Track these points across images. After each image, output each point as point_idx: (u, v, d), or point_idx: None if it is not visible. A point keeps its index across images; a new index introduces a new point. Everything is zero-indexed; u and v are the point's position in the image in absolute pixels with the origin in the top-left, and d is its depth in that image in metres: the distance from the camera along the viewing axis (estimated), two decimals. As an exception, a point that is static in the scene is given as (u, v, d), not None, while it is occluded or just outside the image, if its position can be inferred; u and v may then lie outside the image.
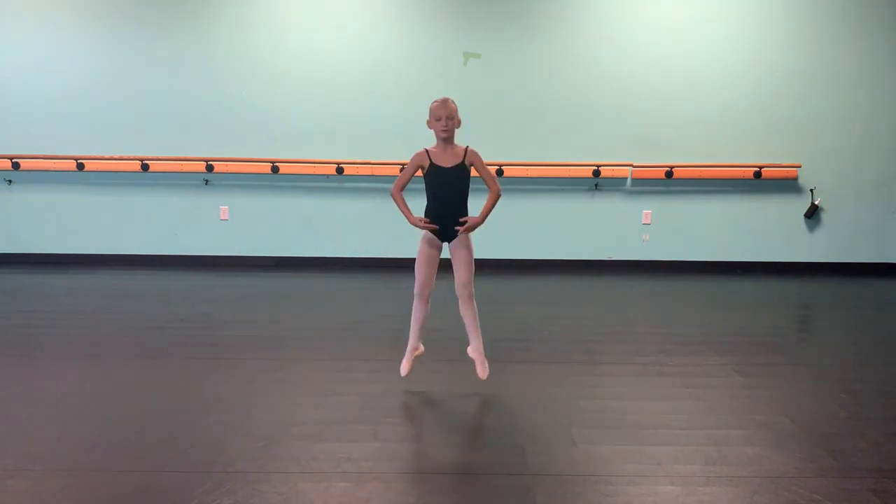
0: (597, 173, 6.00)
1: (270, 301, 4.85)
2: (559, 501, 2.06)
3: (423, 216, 2.83)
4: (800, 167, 5.97)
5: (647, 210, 6.16)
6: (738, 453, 2.40)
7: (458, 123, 2.79)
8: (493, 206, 2.87)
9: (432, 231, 2.84)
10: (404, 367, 3.00)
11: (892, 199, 6.10)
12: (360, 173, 6.02)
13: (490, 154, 5.91)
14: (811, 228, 6.17)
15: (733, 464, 2.32)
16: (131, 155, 5.98)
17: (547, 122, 5.99)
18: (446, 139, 2.78)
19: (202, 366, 3.33)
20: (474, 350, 2.97)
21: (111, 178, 6.11)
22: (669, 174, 5.99)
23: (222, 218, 6.21)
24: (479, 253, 6.32)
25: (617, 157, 6.01)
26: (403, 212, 2.86)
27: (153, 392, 2.97)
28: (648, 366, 3.38)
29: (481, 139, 5.89)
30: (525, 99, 5.96)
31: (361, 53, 5.90)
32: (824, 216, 6.14)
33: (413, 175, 2.86)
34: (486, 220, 2.85)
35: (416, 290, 2.91)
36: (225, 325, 4.14)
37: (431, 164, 2.78)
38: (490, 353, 3.48)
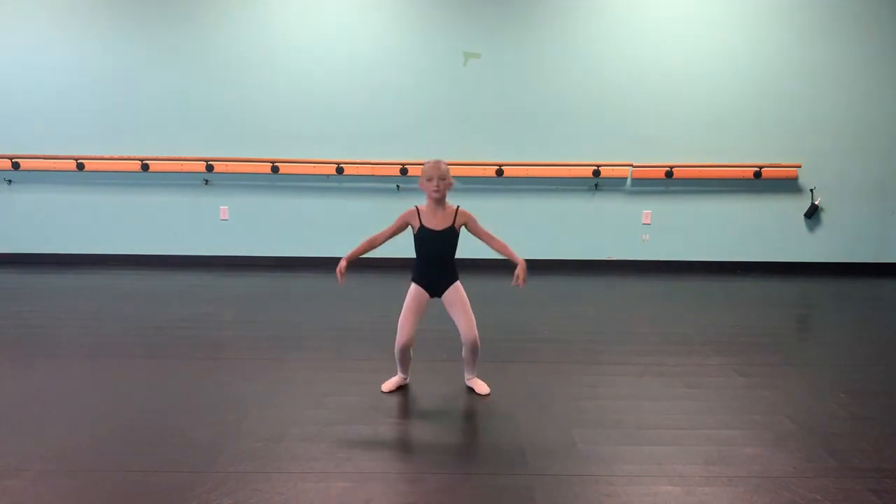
0: (597, 173, 6.00)
1: (270, 301, 4.85)
2: (559, 501, 2.06)
3: (344, 268, 2.85)
4: (800, 167, 5.98)
5: (647, 210, 6.16)
6: (738, 453, 2.40)
7: (450, 185, 2.79)
8: (507, 249, 2.90)
9: (422, 286, 2.86)
10: (387, 386, 3.00)
11: (892, 199, 6.10)
12: (360, 173, 6.02)
13: (490, 154, 5.98)
14: (811, 228, 6.17)
15: (733, 464, 2.32)
16: (131, 155, 5.98)
17: (547, 122, 5.99)
18: (438, 199, 2.78)
19: (202, 366, 3.33)
20: (471, 380, 3.02)
21: (111, 178, 6.11)
22: (669, 174, 5.99)
23: (222, 218, 6.21)
24: (479, 253, 6.30)
25: (617, 157, 6.01)
26: (352, 251, 2.87)
27: (153, 392, 2.97)
28: (648, 366, 3.38)
29: (481, 139, 5.95)
30: (525, 99, 5.96)
31: (362, 53, 5.90)
32: (824, 216, 6.14)
33: (395, 233, 2.87)
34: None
35: (398, 345, 2.87)
36: (225, 325, 4.14)
37: (422, 225, 2.80)
38: (491, 354, 3.48)
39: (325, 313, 4.48)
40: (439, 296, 2.88)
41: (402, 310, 2.87)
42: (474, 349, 2.89)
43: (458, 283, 2.89)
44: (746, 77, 5.88)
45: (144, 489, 2.10)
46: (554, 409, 2.81)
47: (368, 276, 5.82)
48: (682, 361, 3.46)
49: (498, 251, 2.92)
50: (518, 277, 2.81)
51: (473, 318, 2.87)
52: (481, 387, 2.98)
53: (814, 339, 4.24)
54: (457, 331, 2.91)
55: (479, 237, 2.90)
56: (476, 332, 2.87)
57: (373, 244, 2.89)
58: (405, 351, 2.91)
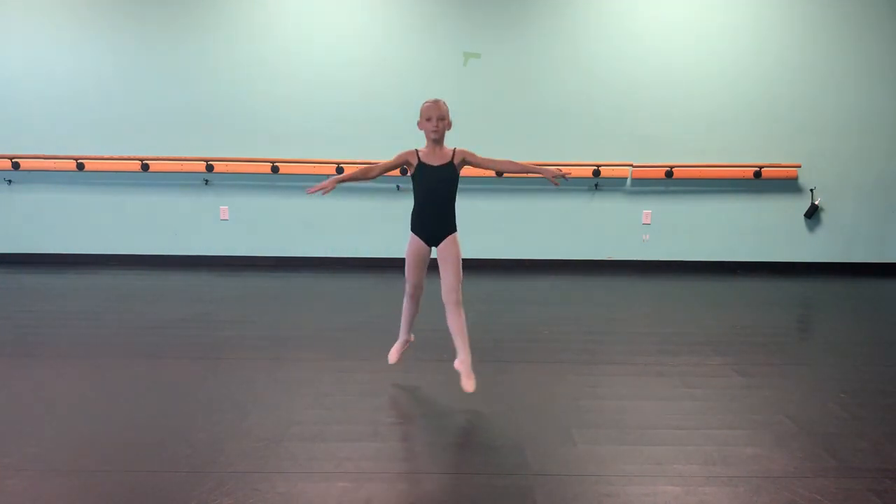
0: (597, 173, 6.00)
1: (270, 301, 4.85)
2: (559, 501, 2.06)
3: (329, 187, 2.72)
4: (800, 167, 5.98)
5: (647, 210, 6.16)
6: (738, 453, 2.40)
7: (449, 125, 2.78)
8: (521, 164, 2.87)
9: (418, 235, 2.83)
10: (393, 356, 3.07)
11: (892, 199, 6.10)
12: (360, 173, 6.01)
13: (490, 154, 5.94)
14: (811, 228, 6.17)
15: (733, 464, 2.32)
16: (131, 155, 5.98)
17: (547, 122, 5.99)
18: (436, 140, 2.76)
19: (202, 366, 3.33)
20: (461, 362, 2.81)
21: (111, 178, 6.11)
22: (669, 174, 5.99)
23: (222, 218, 6.21)
24: (479, 253, 6.27)
25: (617, 157, 6.01)
26: (345, 174, 2.84)
27: (153, 392, 2.97)
28: (648, 366, 3.38)
29: (481, 139, 5.92)
30: (525, 99, 5.96)
31: (361, 53, 5.90)
32: (824, 216, 6.14)
33: (391, 168, 2.85)
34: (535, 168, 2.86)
35: (407, 291, 2.96)
36: (225, 325, 4.14)
37: (420, 162, 2.78)
38: (491, 353, 3.49)
39: (325, 313, 4.48)
40: (437, 244, 2.81)
41: (405, 263, 2.88)
42: (455, 308, 2.74)
43: (455, 235, 2.82)
44: (747, 77, 5.88)
45: (144, 489, 2.10)
46: (554, 409, 2.81)
47: (368, 276, 5.83)
48: (682, 361, 3.46)
49: (513, 172, 2.89)
50: (558, 175, 2.76)
51: (461, 276, 2.77)
52: (466, 381, 2.74)
53: (814, 339, 4.25)
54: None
55: (484, 166, 2.85)
56: (459, 293, 2.75)
57: (366, 174, 2.85)
58: (416, 298, 2.94)
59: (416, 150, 2.81)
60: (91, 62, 5.90)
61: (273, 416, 2.68)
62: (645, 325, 4.20)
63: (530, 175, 2.90)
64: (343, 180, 2.83)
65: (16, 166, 5.95)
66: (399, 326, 3.13)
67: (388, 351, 3.12)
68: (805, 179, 6.05)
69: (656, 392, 3.02)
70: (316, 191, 2.74)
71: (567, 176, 2.86)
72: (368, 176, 2.88)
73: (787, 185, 6.07)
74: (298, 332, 3.97)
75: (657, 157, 6.01)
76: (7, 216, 6.20)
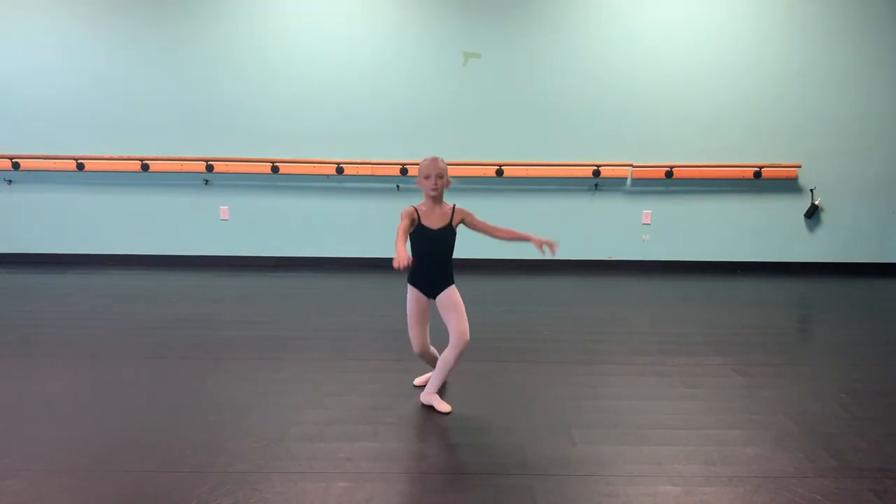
0: (597, 173, 6.00)
1: (270, 301, 4.85)
2: (559, 501, 2.06)
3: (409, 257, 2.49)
4: (800, 167, 5.98)
5: (647, 210, 6.16)
6: (738, 453, 2.40)
7: (448, 183, 2.74)
8: (515, 232, 2.87)
9: (418, 289, 2.78)
10: (419, 380, 3.06)
11: (892, 199, 6.10)
12: (360, 173, 6.02)
13: (490, 154, 5.98)
14: (811, 228, 6.17)
15: (733, 464, 2.32)
16: (131, 155, 5.98)
17: (547, 122, 5.99)
18: (435, 198, 2.73)
19: (202, 366, 3.33)
20: (429, 395, 2.83)
21: (111, 178, 6.11)
22: (669, 174, 5.99)
23: (222, 218, 6.21)
24: (479, 253, 6.26)
25: (617, 157, 6.01)
26: (401, 242, 2.57)
27: (153, 392, 2.97)
28: (648, 366, 3.38)
29: (481, 139, 5.96)
30: (525, 99, 5.96)
31: (362, 53, 5.90)
32: (824, 216, 6.14)
33: (410, 226, 2.69)
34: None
35: (414, 351, 2.89)
36: (225, 325, 4.14)
37: (419, 223, 2.73)
38: (491, 354, 3.49)
39: (325, 313, 4.48)
40: (435, 297, 2.80)
41: (407, 319, 2.84)
42: (458, 352, 2.72)
43: (453, 287, 2.79)
44: (746, 77, 5.88)
45: (144, 489, 2.10)
46: (554, 409, 2.81)
47: (368, 276, 5.83)
48: (682, 361, 3.46)
49: (506, 238, 2.88)
50: (547, 246, 2.79)
51: (467, 320, 2.75)
52: (441, 406, 2.78)
53: (814, 339, 4.24)
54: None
55: (481, 231, 2.84)
56: (468, 335, 2.72)
57: (406, 235, 2.67)
58: (424, 355, 2.92)
59: (415, 209, 2.74)
60: (91, 62, 5.89)
61: (273, 416, 2.68)
62: (645, 325, 4.20)
63: (522, 241, 2.87)
64: (402, 241, 2.60)
65: (16, 166, 5.95)
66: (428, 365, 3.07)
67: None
68: (805, 179, 6.05)
69: (656, 392, 3.02)
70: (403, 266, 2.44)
71: (554, 247, 2.81)
72: (406, 235, 2.67)
73: (787, 185, 6.07)
74: (298, 332, 3.97)
75: (657, 157, 6.01)
76: (7, 216, 6.19)
